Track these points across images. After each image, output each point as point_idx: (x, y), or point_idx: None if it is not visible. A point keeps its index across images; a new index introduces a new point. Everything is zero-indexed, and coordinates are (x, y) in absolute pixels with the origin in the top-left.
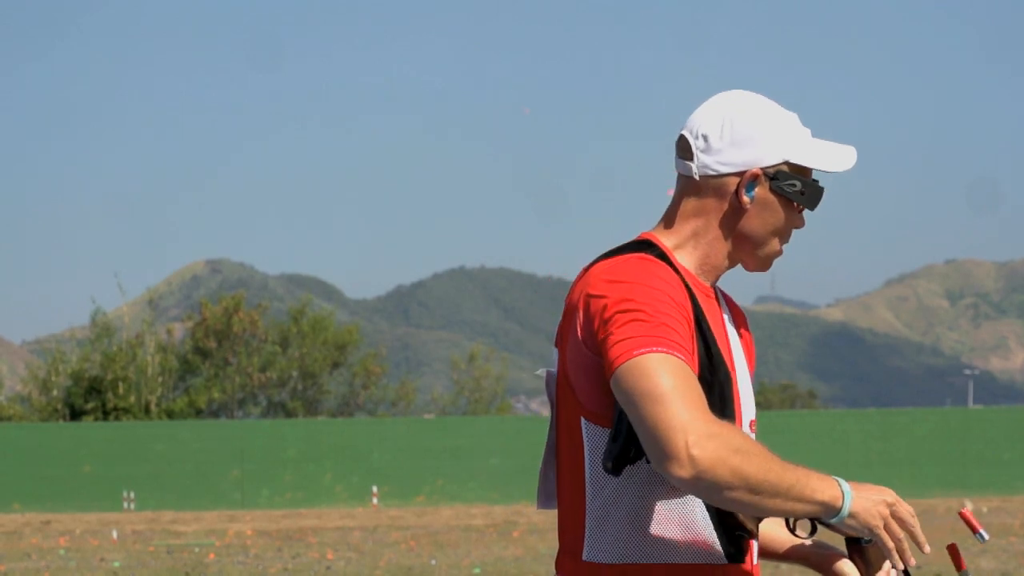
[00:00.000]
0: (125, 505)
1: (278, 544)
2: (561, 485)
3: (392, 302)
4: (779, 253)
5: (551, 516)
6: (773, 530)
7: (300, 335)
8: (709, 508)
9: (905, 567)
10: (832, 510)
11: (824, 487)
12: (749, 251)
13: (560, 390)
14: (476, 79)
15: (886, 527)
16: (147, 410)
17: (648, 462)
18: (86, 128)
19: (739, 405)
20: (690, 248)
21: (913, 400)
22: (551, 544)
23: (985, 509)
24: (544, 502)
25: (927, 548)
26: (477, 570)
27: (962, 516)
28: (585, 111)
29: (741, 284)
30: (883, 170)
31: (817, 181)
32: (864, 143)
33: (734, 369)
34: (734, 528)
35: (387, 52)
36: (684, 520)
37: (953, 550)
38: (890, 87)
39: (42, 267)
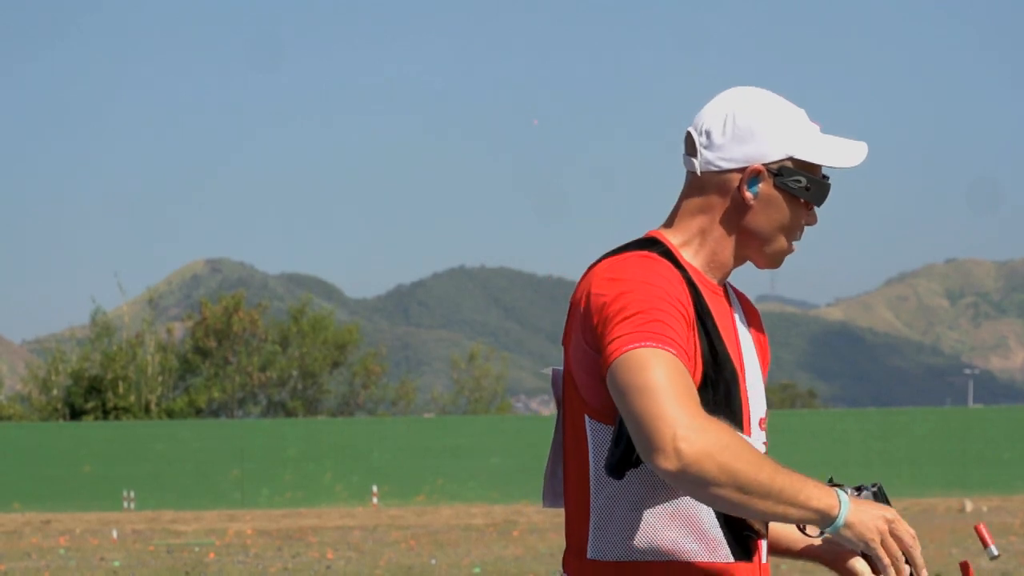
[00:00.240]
0: (125, 505)
1: (278, 543)
2: (567, 484)
3: (392, 301)
4: (789, 250)
5: (551, 515)
6: (785, 528)
7: (300, 334)
8: None
9: None
10: (828, 518)
11: (821, 495)
12: (756, 248)
13: (566, 388)
14: (476, 79)
15: (883, 542)
16: (147, 410)
17: None
18: (86, 128)
19: (747, 403)
20: (696, 246)
21: (913, 399)
22: (551, 543)
23: (985, 508)
24: (552, 501)
25: (924, 574)
26: (477, 569)
27: (977, 531)
28: (585, 111)
29: (740, 283)
30: (883, 169)
31: (827, 177)
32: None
33: (742, 367)
34: (741, 528)
35: (387, 52)
36: (689, 519)
37: (965, 567)
38: (890, 87)
39: (42, 267)
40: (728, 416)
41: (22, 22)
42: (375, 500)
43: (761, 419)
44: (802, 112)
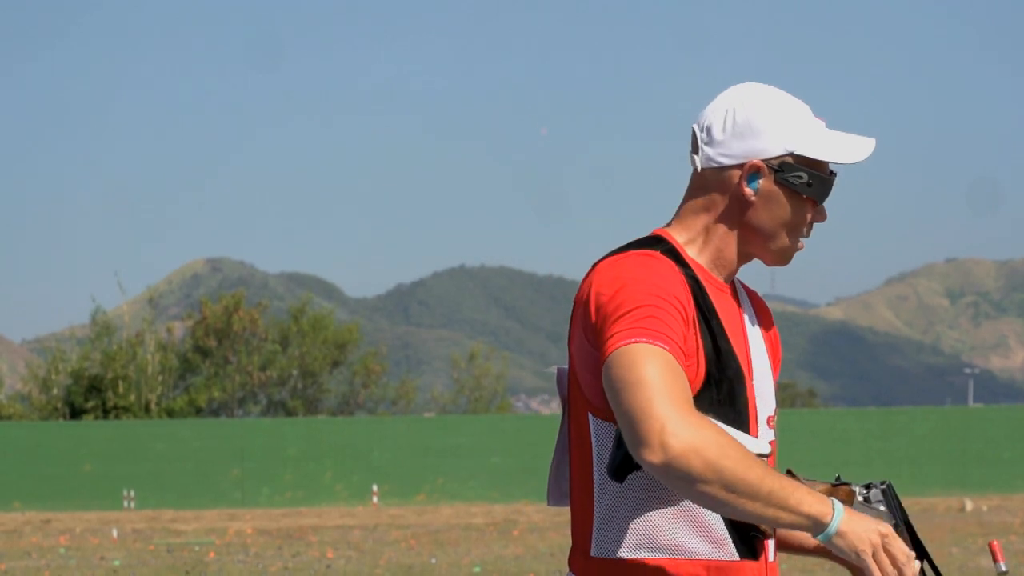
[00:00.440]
0: (125, 504)
1: (278, 543)
2: (572, 482)
3: (392, 301)
4: (796, 247)
5: (551, 515)
6: None
7: (300, 334)
8: None
9: None
10: (820, 525)
11: (814, 501)
12: (761, 245)
13: (571, 387)
14: (476, 79)
15: (875, 555)
16: (147, 409)
17: None
18: (86, 127)
19: (753, 401)
20: (701, 243)
21: (913, 399)
22: (551, 543)
23: (985, 508)
24: (557, 500)
25: None
26: (477, 569)
27: (990, 547)
28: (585, 111)
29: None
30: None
31: (834, 173)
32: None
33: (749, 365)
34: (747, 528)
35: (387, 52)
36: (694, 518)
37: (993, 549)
38: (891, 87)
39: (42, 266)
40: (733, 414)
41: (22, 22)
42: (375, 499)
43: (769, 417)
44: (806, 107)
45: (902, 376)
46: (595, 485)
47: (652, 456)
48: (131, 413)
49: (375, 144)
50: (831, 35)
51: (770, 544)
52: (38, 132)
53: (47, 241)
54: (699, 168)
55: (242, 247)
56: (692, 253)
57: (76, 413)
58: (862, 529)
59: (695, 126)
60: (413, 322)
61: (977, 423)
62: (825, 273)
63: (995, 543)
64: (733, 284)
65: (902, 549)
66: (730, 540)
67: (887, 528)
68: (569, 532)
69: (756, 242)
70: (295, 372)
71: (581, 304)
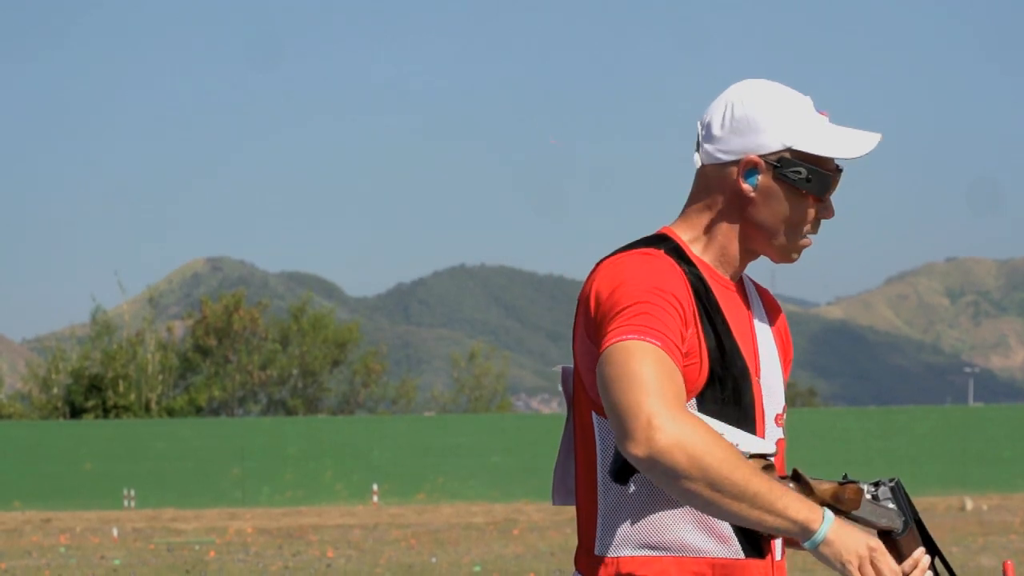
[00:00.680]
0: (125, 503)
1: (278, 542)
2: (577, 481)
3: (392, 300)
4: (800, 243)
5: (551, 514)
6: None
7: (300, 333)
8: None
9: None
10: (807, 532)
11: (803, 508)
12: (763, 242)
13: (575, 385)
14: (476, 79)
15: (860, 567)
16: (147, 408)
17: None
18: (86, 127)
19: (760, 399)
20: (705, 241)
21: (913, 398)
22: (551, 542)
23: (985, 507)
24: (563, 498)
25: None
26: (477, 568)
27: (1004, 567)
28: (585, 111)
29: None
30: (884, 168)
31: (839, 169)
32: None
33: (756, 363)
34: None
35: (387, 52)
36: (699, 515)
37: (1006, 568)
38: (891, 86)
39: (42, 265)
40: (738, 412)
41: (22, 22)
42: (375, 498)
43: (777, 415)
44: (807, 101)
45: (902, 375)
46: (599, 483)
47: (637, 449)
48: (131, 412)
49: (375, 144)
50: (831, 35)
51: (777, 543)
52: (38, 132)
53: (47, 241)
54: (700, 165)
55: (242, 246)
56: (697, 251)
57: (76, 412)
58: (851, 540)
59: (698, 123)
60: (413, 321)
61: (977, 422)
62: (825, 272)
63: (1009, 564)
64: (741, 281)
65: (890, 566)
66: (736, 538)
67: (877, 543)
68: (569, 531)
69: (759, 239)
70: (295, 371)
71: (583, 303)
